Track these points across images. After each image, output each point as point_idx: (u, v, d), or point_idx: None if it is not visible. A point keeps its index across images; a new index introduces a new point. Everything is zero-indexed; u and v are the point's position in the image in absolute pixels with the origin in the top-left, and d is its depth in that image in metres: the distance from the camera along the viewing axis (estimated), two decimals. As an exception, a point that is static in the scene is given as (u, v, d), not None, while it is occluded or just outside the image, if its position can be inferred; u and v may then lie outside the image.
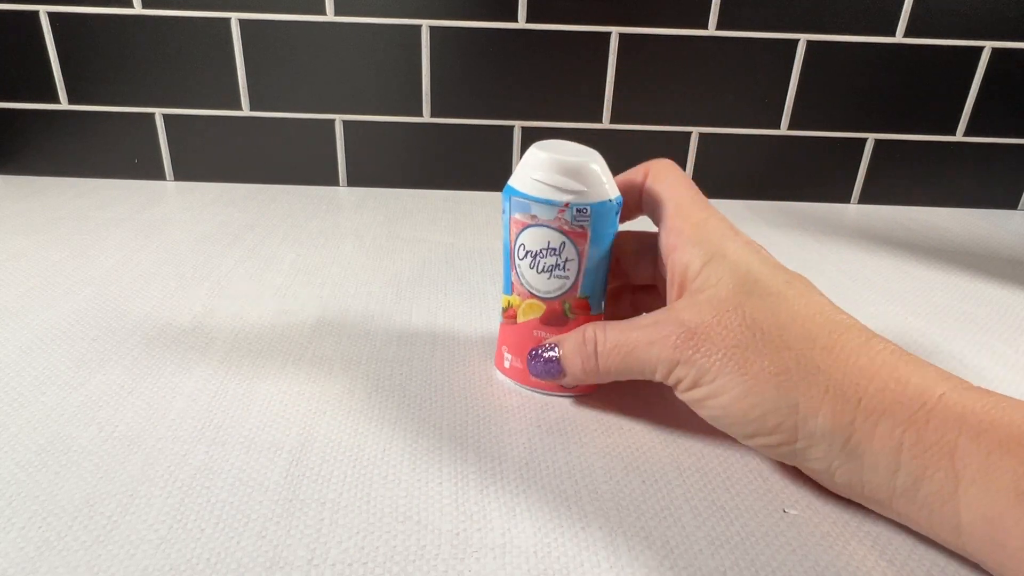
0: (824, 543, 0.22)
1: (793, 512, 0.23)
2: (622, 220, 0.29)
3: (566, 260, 0.27)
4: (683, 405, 0.30)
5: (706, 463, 0.26)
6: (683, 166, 0.65)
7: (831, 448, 0.20)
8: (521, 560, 0.21)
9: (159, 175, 0.64)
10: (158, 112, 0.61)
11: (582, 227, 0.26)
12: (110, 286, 0.40)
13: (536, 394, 0.30)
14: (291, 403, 0.29)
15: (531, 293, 0.28)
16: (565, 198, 0.26)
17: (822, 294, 0.24)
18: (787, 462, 0.23)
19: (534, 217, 0.27)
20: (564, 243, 0.27)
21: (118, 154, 0.63)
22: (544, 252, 0.27)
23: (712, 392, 0.23)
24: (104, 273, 0.42)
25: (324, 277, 0.43)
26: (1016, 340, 0.38)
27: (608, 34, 0.59)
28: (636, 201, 0.29)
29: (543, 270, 0.27)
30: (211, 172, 0.64)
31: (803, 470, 0.23)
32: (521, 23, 0.59)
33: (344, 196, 0.62)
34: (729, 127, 0.63)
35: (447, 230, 0.53)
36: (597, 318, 0.29)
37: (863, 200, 0.67)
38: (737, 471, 0.25)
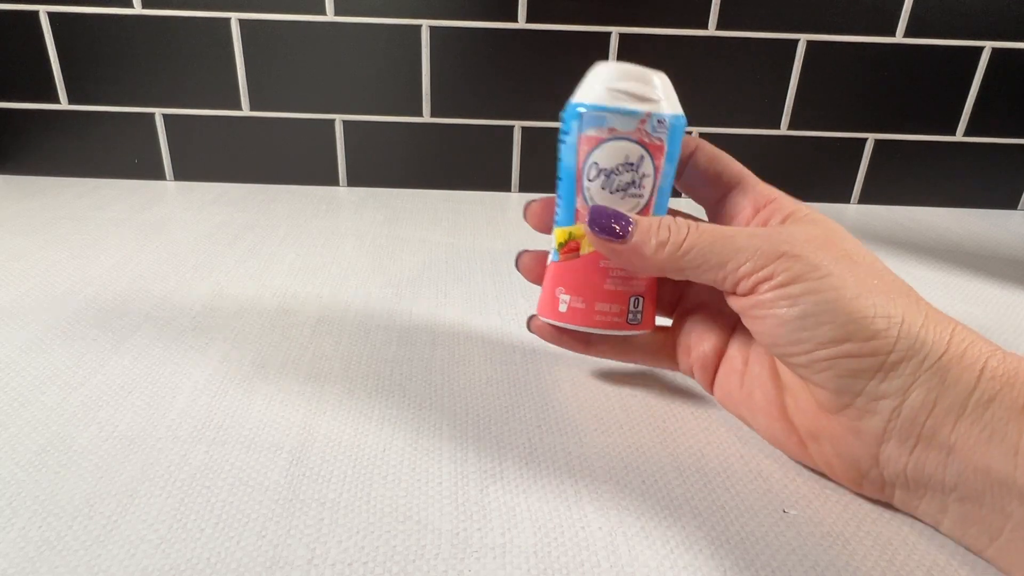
0: (824, 543, 0.22)
1: (793, 512, 0.23)
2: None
3: (642, 176, 0.25)
4: (683, 405, 0.30)
5: (706, 463, 0.26)
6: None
7: (924, 362, 0.21)
8: (521, 560, 0.21)
9: (159, 175, 0.64)
10: (158, 112, 0.61)
11: (660, 140, 0.25)
12: (110, 286, 0.40)
13: (543, 385, 0.30)
14: (291, 403, 0.29)
15: None
16: (646, 107, 0.25)
17: None
18: (850, 387, 0.22)
19: (612, 131, 0.25)
20: (643, 157, 0.25)
21: (118, 154, 0.63)
22: (620, 169, 0.25)
23: (818, 288, 0.22)
24: (104, 273, 0.42)
25: (324, 277, 0.43)
26: (1016, 340, 0.38)
27: (608, 34, 0.59)
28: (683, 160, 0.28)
29: (616, 189, 0.25)
30: (211, 172, 0.64)
31: (862, 406, 0.22)
32: (521, 23, 0.59)
33: (344, 196, 0.62)
34: (729, 127, 0.63)
35: (447, 230, 0.53)
36: None
37: (863, 200, 0.67)
38: (737, 471, 0.25)
